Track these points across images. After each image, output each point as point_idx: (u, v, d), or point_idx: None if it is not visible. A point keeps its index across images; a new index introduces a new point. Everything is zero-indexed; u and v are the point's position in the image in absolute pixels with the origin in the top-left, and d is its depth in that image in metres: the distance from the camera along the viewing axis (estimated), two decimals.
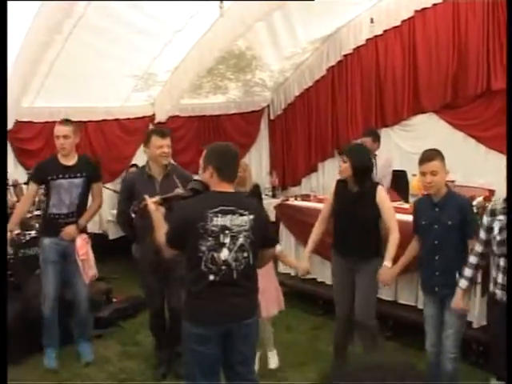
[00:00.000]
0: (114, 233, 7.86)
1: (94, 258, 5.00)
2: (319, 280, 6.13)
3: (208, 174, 3.28)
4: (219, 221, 3.15)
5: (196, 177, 4.18)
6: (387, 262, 4.08)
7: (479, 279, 4.26)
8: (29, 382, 4.60)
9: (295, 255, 6.20)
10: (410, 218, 5.04)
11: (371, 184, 4.35)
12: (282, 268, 6.18)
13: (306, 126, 9.13)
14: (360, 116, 8.29)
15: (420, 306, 5.01)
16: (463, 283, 3.72)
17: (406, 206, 5.76)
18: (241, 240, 3.20)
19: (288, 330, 5.49)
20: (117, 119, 8.10)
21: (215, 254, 3.15)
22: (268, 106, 9.72)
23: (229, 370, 3.40)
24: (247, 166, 4.72)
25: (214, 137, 8.87)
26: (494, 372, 4.02)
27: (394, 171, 6.52)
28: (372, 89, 8.09)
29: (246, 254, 3.23)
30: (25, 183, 6.31)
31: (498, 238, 3.47)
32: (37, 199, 5.52)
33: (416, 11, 7.38)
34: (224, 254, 3.16)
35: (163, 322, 4.84)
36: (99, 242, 6.42)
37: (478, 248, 3.66)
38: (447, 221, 3.81)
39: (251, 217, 3.23)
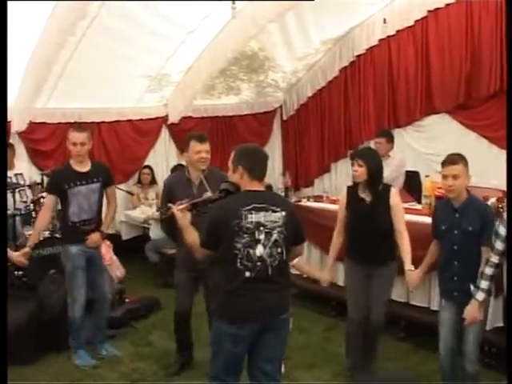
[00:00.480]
0: (126, 233, 7.92)
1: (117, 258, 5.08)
2: (332, 281, 6.08)
3: (238, 175, 3.33)
4: (254, 218, 3.19)
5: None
6: (410, 266, 4.08)
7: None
8: (42, 382, 4.62)
9: (307, 255, 6.15)
10: (422, 218, 5.09)
11: (384, 187, 4.33)
12: (293, 269, 6.14)
13: (318, 126, 9.10)
14: (373, 117, 8.26)
15: (432, 308, 4.99)
16: (480, 295, 3.63)
17: (419, 206, 5.77)
18: (275, 236, 3.23)
19: (300, 331, 5.46)
20: (130, 120, 8.11)
21: (251, 251, 3.18)
22: (281, 106, 9.70)
23: (256, 370, 3.38)
24: None
25: (226, 138, 8.89)
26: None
27: (407, 172, 6.52)
28: (385, 89, 8.05)
29: (279, 250, 3.26)
30: (38, 184, 6.37)
31: None
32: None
33: (429, 11, 7.34)
34: (259, 250, 3.19)
35: (188, 325, 4.81)
36: (112, 243, 6.48)
37: (495, 259, 3.56)
38: (467, 226, 3.75)
39: (283, 213, 3.27)
